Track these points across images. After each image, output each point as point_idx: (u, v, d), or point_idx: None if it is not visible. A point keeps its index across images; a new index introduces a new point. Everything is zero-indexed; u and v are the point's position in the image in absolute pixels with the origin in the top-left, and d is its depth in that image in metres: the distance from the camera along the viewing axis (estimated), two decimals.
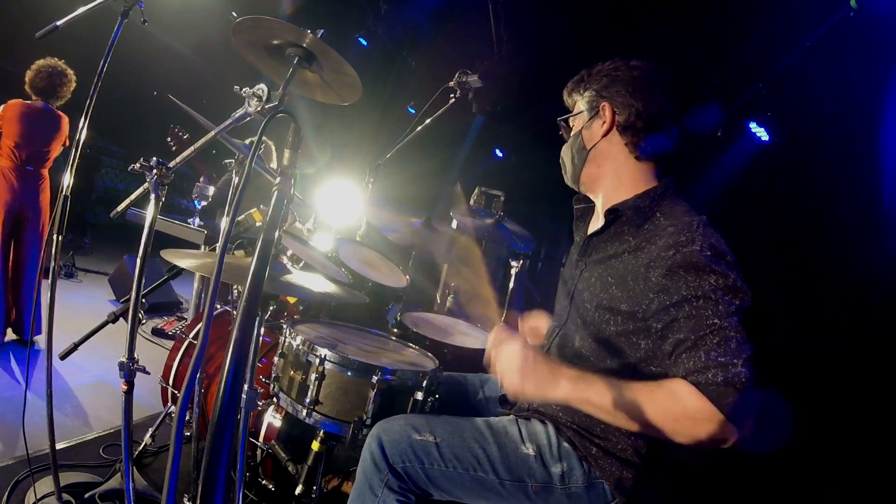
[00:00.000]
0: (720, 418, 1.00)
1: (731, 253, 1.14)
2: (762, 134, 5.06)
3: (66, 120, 3.28)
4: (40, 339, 3.24)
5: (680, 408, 1.03)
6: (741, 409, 0.99)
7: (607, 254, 1.30)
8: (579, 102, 1.37)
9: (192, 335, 2.26)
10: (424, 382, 1.52)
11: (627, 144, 1.30)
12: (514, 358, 1.11)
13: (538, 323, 1.64)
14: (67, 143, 3.34)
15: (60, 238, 1.67)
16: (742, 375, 1.01)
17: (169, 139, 3.19)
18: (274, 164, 3.51)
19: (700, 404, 1.01)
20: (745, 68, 4.41)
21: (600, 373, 1.19)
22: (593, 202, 1.45)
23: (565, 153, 1.42)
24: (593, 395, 1.09)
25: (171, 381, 2.21)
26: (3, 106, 3.12)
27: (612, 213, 1.30)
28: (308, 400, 1.47)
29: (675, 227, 1.17)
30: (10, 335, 3.27)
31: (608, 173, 1.34)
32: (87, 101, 1.67)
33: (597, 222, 1.41)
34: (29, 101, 3.17)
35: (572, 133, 1.39)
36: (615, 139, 1.31)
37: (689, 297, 1.09)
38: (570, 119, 1.40)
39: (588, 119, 1.34)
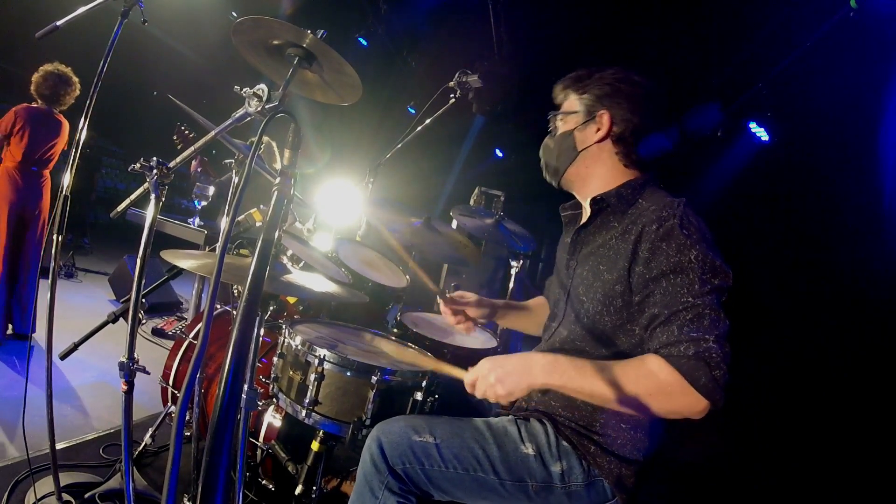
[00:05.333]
0: (691, 391, 1.05)
1: (710, 232, 1.18)
2: (762, 134, 5.07)
3: (66, 124, 3.38)
4: (40, 339, 3.25)
5: (653, 382, 1.08)
6: (711, 383, 1.04)
7: (596, 244, 1.32)
8: (574, 102, 1.37)
9: (192, 335, 2.26)
10: (424, 383, 1.51)
11: (618, 154, 1.34)
12: (487, 374, 1.16)
13: (462, 294, 1.70)
14: (67, 147, 3.43)
15: (60, 238, 1.67)
16: (713, 351, 1.05)
17: (175, 137, 3.24)
18: (277, 165, 3.51)
19: (671, 377, 1.06)
20: (745, 68, 4.41)
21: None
22: (579, 209, 1.48)
23: (548, 150, 1.43)
24: (567, 379, 1.14)
25: (171, 381, 2.21)
26: (11, 110, 3.21)
27: (597, 203, 1.33)
28: (307, 400, 1.47)
29: (657, 205, 1.22)
30: (10, 329, 3.32)
31: (595, 175, 1.37)
32: (87, 101, 1.67)
33: (584, 218, 1.43)
34: (34, 105, 3.27)
35: (561, 131, 1.40)
36: (607, 146, 1.34)
37: (666, 272, 1.14)
38: (562, 116, 1.41)
39: (583, 122, 1.35)
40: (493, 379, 1.15)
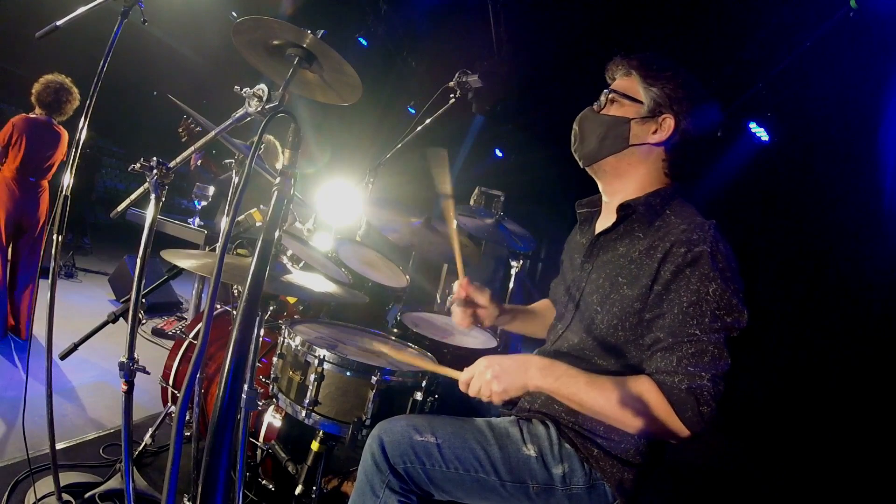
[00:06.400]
0: (676, 420, 1.08)
1: (735, 261, 1.15)
2: (762, 134, 5.07)
3: (65, 135, 3.41)
4: (40, 339, 3.26)
5: (642, 405, 1.10)
6: (697, 417, 1.07)
7: (617, 252, 1.28)
8: (639, 88, 1.28)
9: (192, 335, 2.26)
10: (424, 383, 1.51)
11: (665, 161, 1.29)
12: (484, 371, 1.17)
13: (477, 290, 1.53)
14: (65, 158, 3.46)
15: (60, 238, 1.67)
16: (705, 389, 1.07)
17: (181, 129, 3.24)
18: (279, 164, 3.52)
19: (660, 404, 1.09)
20: (745, 68, 4.41)
21: (603, 373, 1.21)
22: (597, 206, 1.42)
23: (593, 126, 1.32)
24: (561, 385, 1.15)
25: (171, 381, 2.21)
26: (9, 122, 3.24)
27: (624, 210, 1.28)
28: (307, 401, 1.46)
29: (686, 225, 1.18)
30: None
31: (635, 175, 1.31)
32: (87, 101, 1.67)
33: (605, 220, 1.37)
34: (33, 116, 3.30)
35: (614, 113, 1.30)
36: (657, 150, 1.28)
37: (682, 299, 1.12)
38: (619, 97, 1.30)
39: (644, 116, 1.27)
40: (490, 375, 1.15)
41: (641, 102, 1.27)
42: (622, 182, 1.32)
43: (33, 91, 3.25)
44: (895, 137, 4.21)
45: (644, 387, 1.11)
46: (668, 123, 1.25)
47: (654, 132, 1.27)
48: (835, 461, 4.60)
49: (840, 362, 5.13)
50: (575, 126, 1.37)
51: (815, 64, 3.92)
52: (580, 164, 1.37)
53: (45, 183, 3.40)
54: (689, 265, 1.13)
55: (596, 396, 1.12)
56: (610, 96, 1.31)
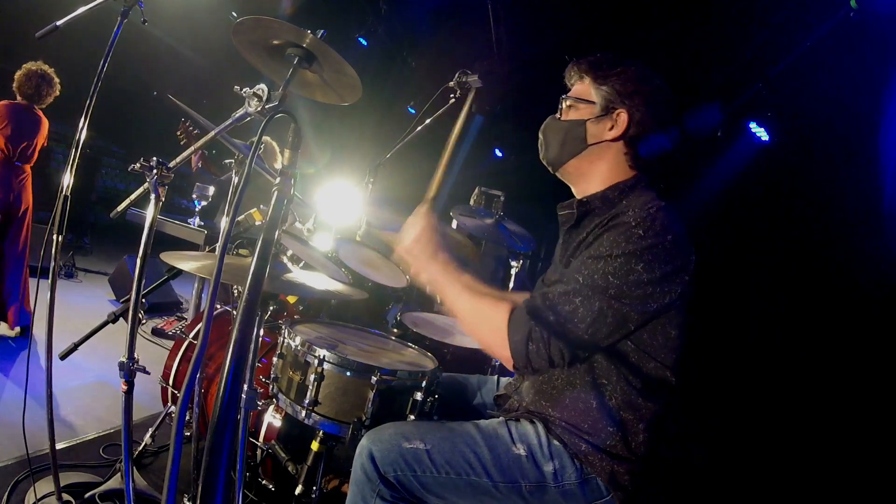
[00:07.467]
0: (503, 339, 1.17)
1: (674, 248, 1.16)
2: (762, 134, 5.07)
3: (45, 121, 3.42)
4: (40, 339, 3.26)
5: (489, 314, 1.21)
6: (522, 348, 1.15)
7: (576, 245, 1.31)
8: (590, 90, 1.32)
9: (192, 335, 2.26)
10: (424, 383, 1.52)
11: (626, 154, 1.31)
12: (417, 226, 1.32)
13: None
14: (46, 143, 3.48)
15: (60, 238, 1.67)
16: (546, 329, 1.13)
17: (179, 133, 3.25)
18: (277, 164, 3.53)
19: (501, 319, 1.18)
20: (745, 68, 4.41)
21: (593, 368, 1.23)
22: (574, 208, 1.45)
23: (553, 133, 1.37)
24: (447, 285, 1.28)
25: (171, 381, 2.21)
26: None
27: (583, 206, 1.32)
28: (307, 401, 1.47)
29: (632, 206, 1.22)
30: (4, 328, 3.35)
31: (597, 172, 1.33)
32: (87, 101, 1.66)
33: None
34: (15, 102, 3.31)
35: (572, 118, 1.34)
36: (616, 146, 1.31)
37: (590, 250, 1.19)
38: (573, 101, 1.35)
39: (598, 115, 1.30)
40: (415, 234, 1.31)
41: (594, 103, 1.31)
42: (587, 181, 1.36)
43: (15, 78, 3.27)
44: (895, 137, 4.21)
45: (503, 304, 1.20)
46: (623, 118, 1.28)
47: (611, 128, 1.30)
48: (835, 461, 4.60)
49: (840, 363, 5.13)
50: (540, 135, 1.42)
51: (815, 64, 3.92)
52: (550, 170, 1.42)
53: (28, 168, 3.40)
54: (610, 230, 1.18)
55: (458, 297, 1.24)
56: (567, 103, 1.36)
